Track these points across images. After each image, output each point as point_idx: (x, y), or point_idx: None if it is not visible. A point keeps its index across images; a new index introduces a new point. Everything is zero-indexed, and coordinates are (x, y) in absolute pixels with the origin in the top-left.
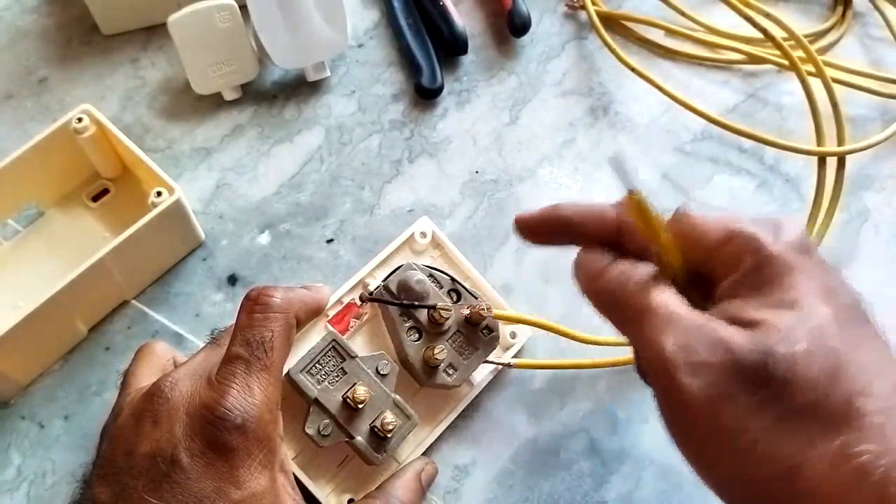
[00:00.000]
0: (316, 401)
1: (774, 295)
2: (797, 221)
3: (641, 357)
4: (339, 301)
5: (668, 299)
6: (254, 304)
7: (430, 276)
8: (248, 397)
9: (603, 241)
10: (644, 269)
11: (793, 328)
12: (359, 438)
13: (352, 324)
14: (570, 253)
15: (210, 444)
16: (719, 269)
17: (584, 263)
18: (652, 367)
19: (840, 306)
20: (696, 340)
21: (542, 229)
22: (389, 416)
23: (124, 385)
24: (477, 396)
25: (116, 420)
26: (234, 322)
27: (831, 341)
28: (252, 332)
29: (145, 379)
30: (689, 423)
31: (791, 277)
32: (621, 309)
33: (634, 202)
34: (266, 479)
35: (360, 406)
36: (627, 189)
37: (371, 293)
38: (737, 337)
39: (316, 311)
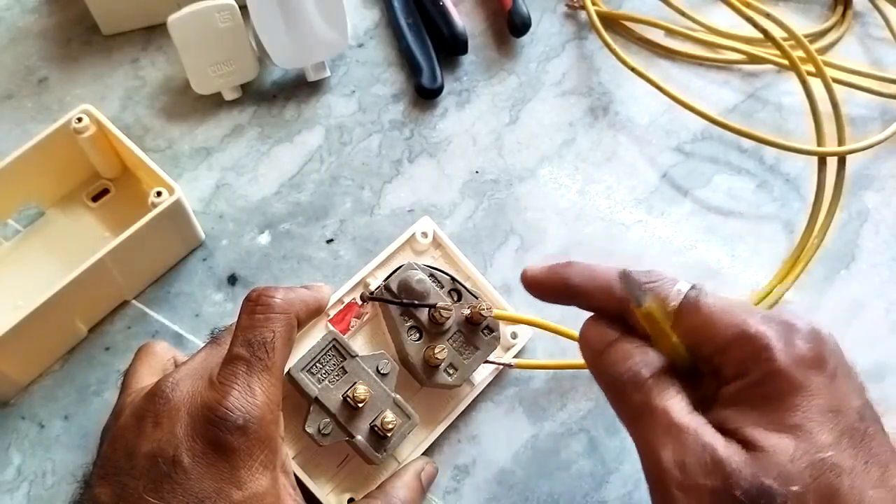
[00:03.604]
0: (316, 400)
1: (777, 414)
2: (812, 322)
3: (639, 453)
4: (339, 300)
5: (670, 403)
6: (255, 305)
7: (431, 275)
8: (250, 398)
9: (608, 315)
10: (649, 358)
11: (791, 461)
12: (359, 438)
13: (352, 323)
14: (570, 253)
15: (211, 445)
16: (726, 369)
17: (589, 336)
18: (648, 470)
19: (844, 428)
20: (693, 459)
21: (548, 291)
22: (390, 416)
23: (125, 385)
24: (477, 396)
25: (117, 420)
26: (234, 321)
27: (828, 477)
28: (253, 332)
29: (146, 379)
30: None
31: (796, 398)
32: (622, 398)
33: (645, 315)
34: (267, 480)
35: (361, 405)
36: (636, 302)
37: (372, 293)
38: (734, 462)
39: (317, 311)
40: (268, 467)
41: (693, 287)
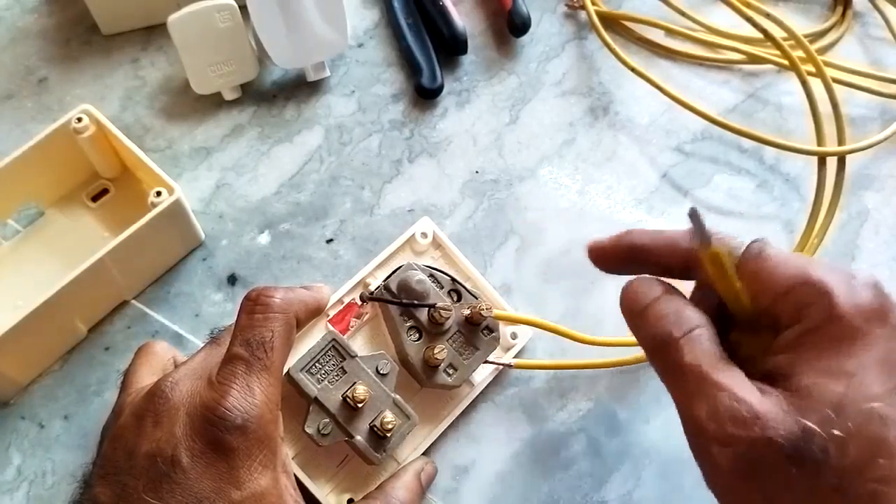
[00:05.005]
0: (316, 400)
1: (831, 360)
2: (875, 276)
3: (677, 409)
4: (339, 301)
5: (704, 360)
6: (254, 305)
7: (431, 276)
8: (249, 397)
9: (673, 271)
10: (684, 318)
11: (837, 406)
12: (358, 438)
13: (352, 323)
14: (570, 253)
15: (210, 445)
16: (785, 315)
17: (632, 292)
18: (686, 427)
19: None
20: (729, 411)
21: (615, 257)
22: (389, 416)
23: (125, 385)
24: (477, 396)
25: (117, 420)
26: (234, 321)
27: (874, 426)
28: (252, 332)
29: (145, 379)
30: (722, 487)
31: (853, 345)
32: (656, 357)
33: (712, 256)
34: (267, 480)
35: (360, 405)
36: (703, 242)
37: (372, 293)
38: (772, 412)
39: (316, 311)
40: (267, 467)
41: (757, 239)
